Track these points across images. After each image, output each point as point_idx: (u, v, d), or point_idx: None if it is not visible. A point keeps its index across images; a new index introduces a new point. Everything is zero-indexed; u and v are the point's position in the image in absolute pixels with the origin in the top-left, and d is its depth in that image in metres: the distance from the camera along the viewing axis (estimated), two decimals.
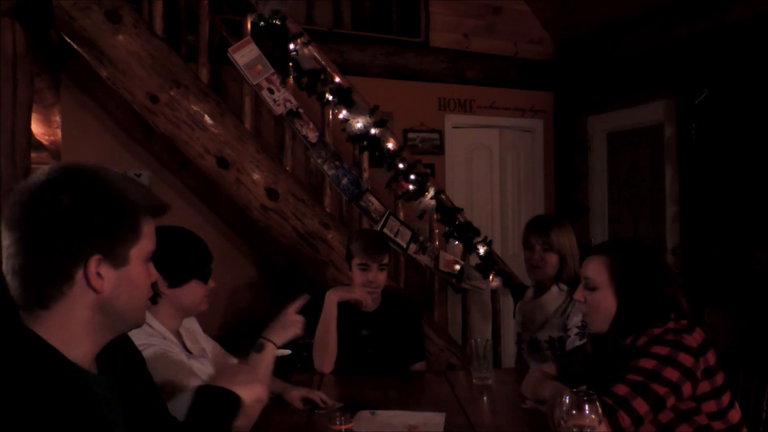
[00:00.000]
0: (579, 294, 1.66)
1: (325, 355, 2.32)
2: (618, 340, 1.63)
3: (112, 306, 0.99)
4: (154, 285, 1.56)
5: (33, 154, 3.21)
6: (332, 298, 2.34)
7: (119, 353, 1.10)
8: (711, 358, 1.51)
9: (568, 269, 2.32)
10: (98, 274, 0.96)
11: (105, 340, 1.03)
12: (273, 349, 1.67)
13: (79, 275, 0.95)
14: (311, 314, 2.44)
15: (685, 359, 1.45)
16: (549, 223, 2.39)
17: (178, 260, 1.65)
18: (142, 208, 1.02)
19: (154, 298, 1.64)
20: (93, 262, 0.95)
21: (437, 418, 1.74)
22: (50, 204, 0.93)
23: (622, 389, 1.44)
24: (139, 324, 1.08)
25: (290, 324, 1.73)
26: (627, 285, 1.57)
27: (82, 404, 0.92)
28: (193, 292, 1.69)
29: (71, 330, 0.96)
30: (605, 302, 1.60)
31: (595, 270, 1.62)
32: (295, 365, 2.32)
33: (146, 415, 1.10)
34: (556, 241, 2.32)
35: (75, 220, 0.94)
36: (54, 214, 0.93)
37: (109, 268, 0.97)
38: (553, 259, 2.32)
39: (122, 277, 0.99)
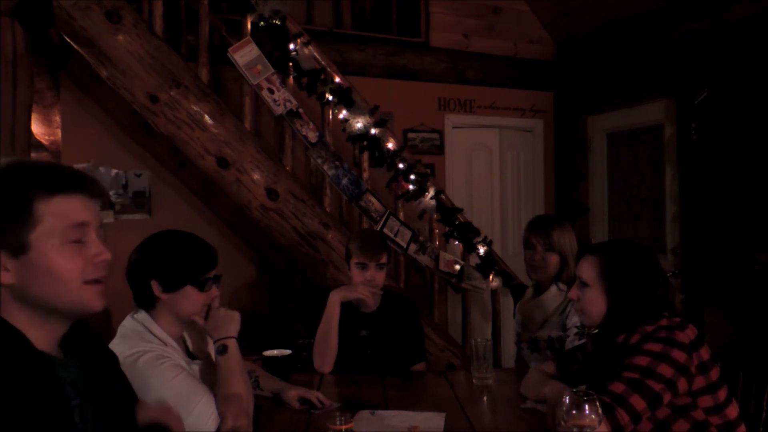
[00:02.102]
0: (573, 292, 1.70)
1: (326, 356, 2.32)
2: (612, 337, 1.65)
3: (31, 296, 0.96)
4: (149, 289, 1.56)
5: (33, 154, 3.21)
6: (335, 299, 2.34)
7: (90, 342, 1.09)
8: (704, 353, 1.52)
9: (568, 269, 2.32)
10: (4, 267, 0.93)
11: (59, 325, 1.00)
12: (235, 342, 1.65)
13: None
14: (312, 314, 2.45)
15: (678, 355, 1.47)
16: (550, 223, 2.39)
17: (171, 264, 1.60)
18: (36, 187, 0.96)
19: (152, 302, 1.60)
20: None
21: (437, 418, 1.74)
22: None
23: (618, 387, 1.46)
24: (86, 310, 1.01)
25: (229, 316, 1.68)
26: (614, 283, 1.62)
27: (40, 384, 0.91)
28: (189, 299, 1.62)
29: (11, 319, 0.95)
30: (595, 300, 1.64)
31: (586, 269, 1.67)
32: (294, 365, 2.32)
33: (116, 410, 1.09)
34: (557, 241, 2.32)
35: None
36: None
37: (7, 258, 0.94)
38: (553, 259, 2.33)
39: (26, 266, 0.94)
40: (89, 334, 1.12)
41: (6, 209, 0.94)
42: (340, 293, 2.35)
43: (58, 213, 0.96)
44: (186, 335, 1.75)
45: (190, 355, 1.72)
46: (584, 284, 1.66)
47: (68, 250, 0.96)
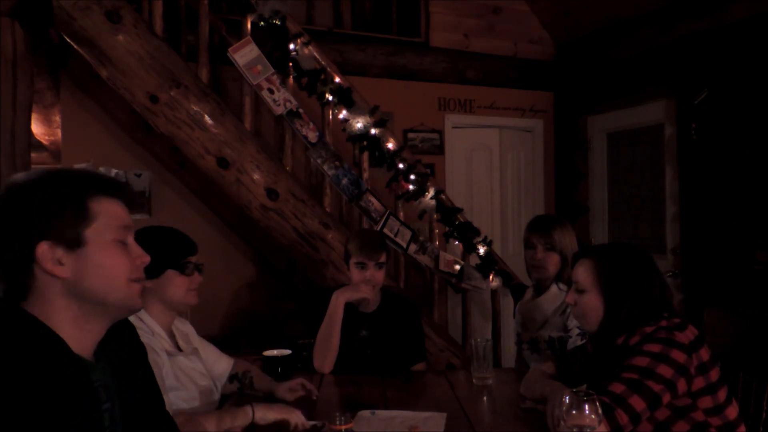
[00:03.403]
0: (570, 297, 1.70)
1: (326, 356, 2.31)
2: (611, 339, 1.65)
3: (82, 290, 0.99)
4: None
5: (33, 154, 3.21)
6: (340, 300, 2.33)
7: (121, 342, 1.11)
8: (704, 354, 1.52)
9: (568, 269, 2.31)
10: (58, 261, 0.97)
11: (98, 328, 1.03)
12: (249, 415, 1.62)
13: (36, 265, 0.97)
14: (312, 314, 2.45)
15: (678, 356, 1.47)
16: (551, 222, 2.39)
17: (151, 250, 1.64)
18: (90, 189, 1.02)
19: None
20: (41, 250, 0.96)
21: (438, 418, 1.74)
22: None
23: (618, 387, 1.46)
24: (130, 307, 1.06)
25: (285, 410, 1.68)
26: (611, 287, 1.62)
27: (76, 389, 0.94)
28: (172, 283, 1.72)
29: (56, 319, 0.98)
30: (592, 304, 1.64)
31: (582, 273, 1.67)
32: (294, 365, 2.32)
33: (139, 406, 1.11)
34: (558, 240, 2.32)
35: (13, 216, 0.97)
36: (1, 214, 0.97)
37: (63, 252, 0.98)
38: (554, 258, 2.33)
39: (81, 260, 0.99)
40: (123, 331, 1.14)
41: (63, 206, 0.99)
42: (344, 294, 2.34)
43: (109, 213, 1.03)
44: (174, 330, 1.81)
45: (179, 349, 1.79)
46: (580, 289, 1.66)
47: (117, 249, 1.03)
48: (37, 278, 0.98)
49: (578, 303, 1.67)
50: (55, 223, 0.98)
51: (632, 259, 1.65)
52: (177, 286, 1.73)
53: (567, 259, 2.32)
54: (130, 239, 1.07)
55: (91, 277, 1.00)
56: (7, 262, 0.97)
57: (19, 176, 1.01)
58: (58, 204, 0.98)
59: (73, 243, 0.98)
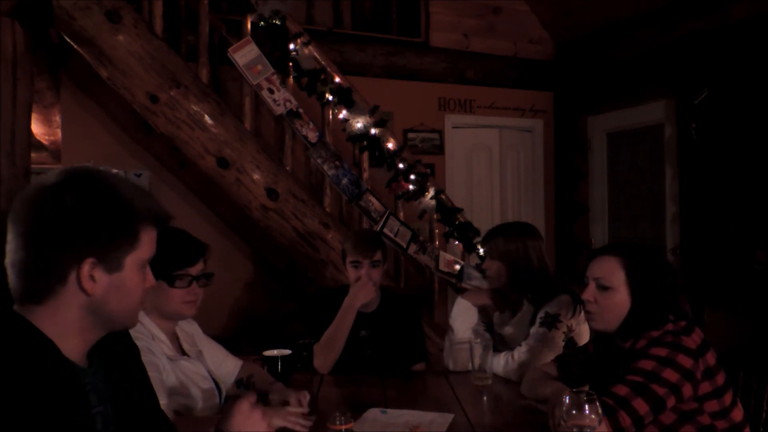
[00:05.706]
0: (589, 294, 1.62)
1: (329, 358, 2.31)
2: (619, 342, 1.63)
3: (102, 309, 1.00)
4: None
5: (33, 154, 3.21)
6: (354, 305, 2.32)
7: (114, 346, 1.11)
8: (711, 358, 1.50)
9: (523, 275, 2.20)
10: (91, 277, 0.97)
11: (95, 337, 1.04)
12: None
13: (72, 276, 0.96)
14: (313, 315, 2.44)
15: (684, 361, 1.45)
16: (494, 231, 2.32)
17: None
18: (144, 217, 1.03)
19: None
20: (86, 265, 0.96)
21: (443, 419, 1.73)
22: (53, 202, 0.95)
23: (622, 390, 1.44)
24: (129, 326, 1.08)
25: (287, 414, 1.60)
26: (643, 287, 1.57)
27: (66, 393, 0.94)
28: (165, 295, 1.62)
29: (61, 326, 0.98)
30: (619, 302, 1.58)
31: (609, 270, 1.59)
32: (294, 365, 2.31)
33: (134, 408, 1.11)
34: (497, 248, 2.24)
35: (74, 222, 0.95)
36: (55, 212, 0.95)
37: (102, 272, 0.98)
38: (494, 266, 2.24)
39: (114, 283, 1.00)
40: (117, 334, 1.14)
41: (120, 231, 1.00)
42: (358, 299, 2.32)
43: (147, 242, 1.04)
44: (178, 331, 1.78)
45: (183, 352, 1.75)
46: (605, 287, 1.59)
47: (141, 276, 1.05)
48: (65, 287, 0.97)
49: (599, 301, 1.60)
50: (108, 244, 0.99)
51: (659, 260, 1.64)
52: (169, 297, 1.63)
53: (510, 267, 2.21)
54: (148, 265, 1.08)
55: (116, 300, 1.01)
56: (49, 264, 0.96)
57: (87, 181, 0.99)
58: (117, 228, 0.99)
59: (114, 267, 0.99)
